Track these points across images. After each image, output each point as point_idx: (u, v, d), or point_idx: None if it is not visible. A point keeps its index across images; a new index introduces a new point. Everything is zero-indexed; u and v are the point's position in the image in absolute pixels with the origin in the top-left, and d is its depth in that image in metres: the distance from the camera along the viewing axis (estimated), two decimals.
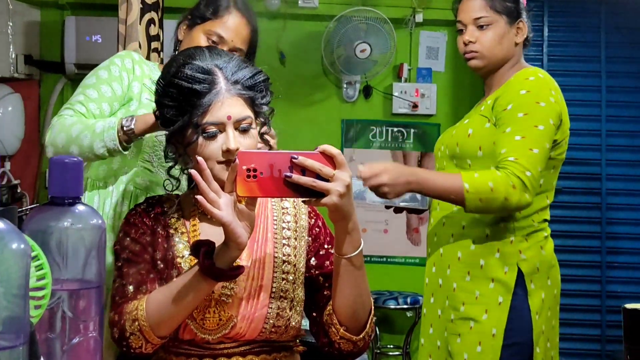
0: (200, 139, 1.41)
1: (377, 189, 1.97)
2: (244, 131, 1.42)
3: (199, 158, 1.35)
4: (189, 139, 1.42)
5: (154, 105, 1.92)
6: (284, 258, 1.48)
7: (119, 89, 1.97)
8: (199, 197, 1.30)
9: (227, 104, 1.40)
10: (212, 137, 1.40)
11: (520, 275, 2.06)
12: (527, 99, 2.05)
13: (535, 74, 2.12)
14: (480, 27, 2.18)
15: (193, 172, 1.33)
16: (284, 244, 1.50)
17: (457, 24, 2.26)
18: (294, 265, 1.49)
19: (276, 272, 1.46)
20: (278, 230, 1.51)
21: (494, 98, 2.12)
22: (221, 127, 1.41)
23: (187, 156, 1.47)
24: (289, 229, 1.52)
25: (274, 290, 1.45)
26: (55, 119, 1.92)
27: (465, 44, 2.20)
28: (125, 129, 1.79)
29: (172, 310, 1.37)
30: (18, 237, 0.75)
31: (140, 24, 2.89)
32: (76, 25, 4.05)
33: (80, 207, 1.06)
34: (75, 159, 1.08)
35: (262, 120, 1.52)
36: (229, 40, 1.95)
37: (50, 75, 4.25)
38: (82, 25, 4.03)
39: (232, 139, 1.39)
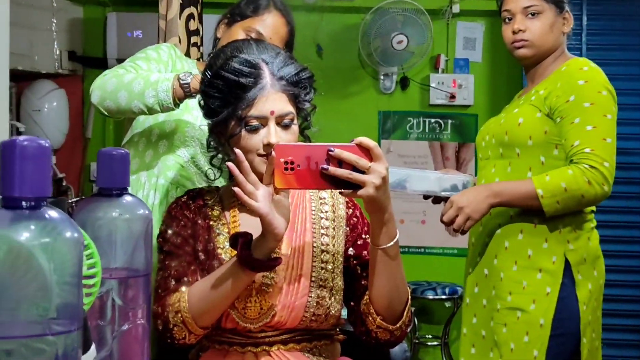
0: (243, 132, 1.43)
1: (458, 221, 2.02)
2: (286, 126, 1.44)
3: (238, 151, 1.37)
4: (231, 130, 1.45)
5: (189, 102, 1.95)
6: (322, 247, 1.50)
7: (164, 71, 2.01)
8: (235, 188, 1.33)
9: (271, 99, 1.42)
10: (254, 130, 1.43)
11: (567, 265, 2.05)
12: (589, 88, 2.04)
13: (587, 64, 2.11)
14: (531, 15, 2.15)
15: (230, 164, 1.35)
16: (322, 234, 1.51)
17: (503, 13, 2.22)
18: (333, 255, 1.50)
19: (315, 261, 1.48)
20: (316, 220, 1.52)
21: (546, 89, 2.10)
22: (264, 121, 1.43)
23: (228, 147, 1.49)
24: (327, 219, 1.53)
25: (313, 279, 1.47)
26: (96, 80, 1.93)
27: (515, 33, 2.17)
28: (181, 82, 1.80)
29: (213, 301, 1.40)
30: (71, 226, 0.78)
31: (180, 19, 2.93)
32: (118, 21, 4.12)
33: (127, 198, 1.10)
34: (122, 151, 1.12)
35: (304, 116, 1.53)
36: (267, 37, 1.97)
37: (93, 70, 4.30)
38: (123, 21, 4.10)
39: (273, 134, 1.42)
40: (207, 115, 1.52)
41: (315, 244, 1.50)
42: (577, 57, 2.20)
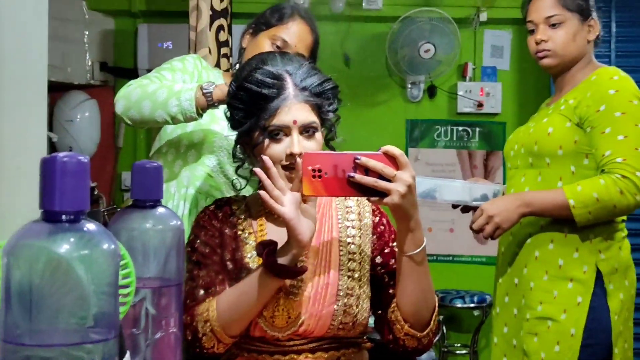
0: (266, 141, 1.45)
1: (488, 229, 2.03)
2: (309, 136, 1.46)
3: (265, 157, 1.39)
4: (255, 140, 1.47)
5: (215, 112, 1.97)
6: (349, 256, 1.51)
7: (189, 81, 2.03)
8: (262, 192, 1.35)
9: (294, 109, 1.44)
10: (277, 139, 1.45)
11: (598, 275, 2.04)
12: (620, 98, 2.03)
13: (617, 73, 2.10)
14: (552, 25, 2.16)
15: (257, 170, 1.37)
16: (348, 242, 1.52)
17: (527, 24, 2.23)
18: (359, 263, 1.51)
19: (342, 269, 1.49)
20: (343, 229, 1.53)
21: (576, 98, 2.09)
22: (287, 130, 1.44)
23: (254, 157, 1.51)
24: (353, 227, 1.54)
25: (340, 287, 1.47)
26: (120, 91, 1.95)
27: (537, 43, 2.18)
28: (204, 91, 1.81)
29: (241, 310, 1.41)
30: (108, 238, 0.81)
31: (210, 30, 2.97)
32: (148, 32, 4.17)
33: (160, 210, 1.14)
34: (156, 164, 1.15)
35: (328, 126, 1.54)
36: (292, 45, 2.00)
37: (124, 81, 4.29)
38: (154, 32, 4.14)
39: (296, 143, 1.43)
40: (233, 126, 1.54)
41: (342, 252, 1.51)
42: (607, 65, 2.19)
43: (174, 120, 1.86)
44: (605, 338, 2.02)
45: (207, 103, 1.82)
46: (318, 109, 1.48)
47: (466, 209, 2.19)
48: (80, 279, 0.79)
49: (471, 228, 2.09)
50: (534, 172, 2.14)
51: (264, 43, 2.02)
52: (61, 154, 0.78)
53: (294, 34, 2.03)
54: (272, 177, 1.35)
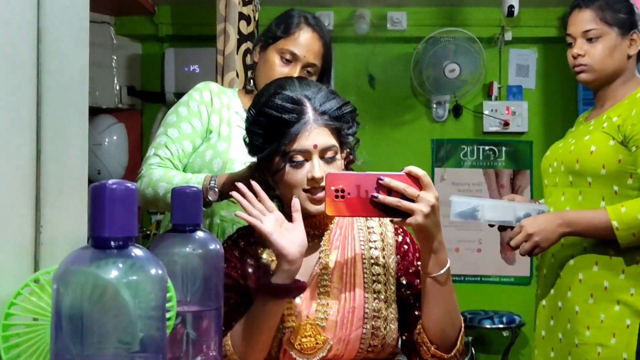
0: (287, 167, 1.45)
1: (525, 246, 2.00)
2: (330, 160, 1.46)
3: (239, 184, 1.41)
4: (276, 166, 1.47)
5: (232, 137, 1.99)
6: (374, 277, 1.50)
7: (198, 125, 2.02)
8: (238, 212, 1.39)
9: (314, 134, 1.44)
10: (298, 165, 1.45)
11: None
12: None
13: None
14: (590, 40, 2.12)
15: (234, 193, 1.40)
16: (372, 264, 1.51)
17: (566, 37, 2.20)
18: (385, 284, 1.50)
19: (367, 292, 1.48)
20: (366, 251, 1.53)
21: (620, 116, 2.04)
22: (307, 155, 1.45)
23: (274, 182, 1.51)
24: (376, 249, 1.53)
25: (367, 310, 1.47)
26: (144, 170, 1.97)
27: (575, 57, 2.15)
28: (209, 190, 1.81)
29: (252, 338, 1.41)
30: (155, 263, 0.82)
31: (237, 54, 3.01)
32: (175, 56, 4.21)
33: (200, 234, 1.14)
34: (195, 189, 1.17)
35: (348, 150, 1.54)
36: (301, 56, 1.99)
37: (151, 105, 4.42)
38: (180, 56, 4.18)
39: (317, 168, 1.43)
40: (252, 152, 1.54)
41: (366, 274, 1.50)
42: None
43: None
44: None
45: (215, 195, 1.83)
46: (337, 133, 1.48)
47: (502, 227, 2.14)
48: (128, 304, 0.80)
49: (508, 244, 2.05)
50: (574, 191, 2.10)
51: (273, 58, 2.01)
52: (110, 181, 0.79)
53: (302, 45, 2.01)
54: (249, 199, 1.38)
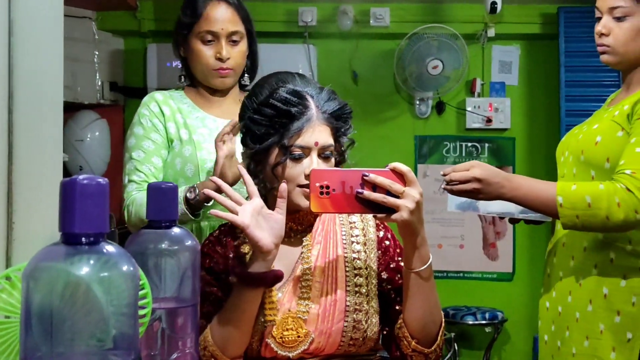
0: (288, 161, 1.47)
1: (464, 185, 1.77)
2: (326, 158, 1.49)
3: (213, 177, 1.44)
4: (276, 159, 1.48)
5: (195, 139, 1.98)
6: (355, 271, 1.51)
7: (158, 138, 2.01)
8: (212, 210, 1.39)
9: (317, 131, 1.47)
10: (297, 160, 1.46)
11: None
12: None
13: None
14: (617, 18, 1.93)
15: (207, 190, 1.40)
16: (354, 258, 1.53)
17: (595, 10, 2.01)
18: (366, 278, 1.52)
19: (349, 285, 1.50)
20: (347, 245, 1.54)
21: (633, 104, 1.85)
22: (307, 151, 1.47)
23: (270, 174, 1.50)
24: (358, 243, 1.55)
25: (348, 303, 1.48)
26: (127, 200, 1.97)
27: (599, 36, 1.97)
28: (190, 201, 1.83)
29: (231, 329, 1.42)
30: (127, 260, 0.81)
31: None
32: (157, 52, 4.18)
33: (175, 230, 1.14)
34: (171, 184, 1.16)
35: (341, 151, 1.56)
36: (219, 30, 1.99)
37: (134, 100, 4.37)
38: (163, 52, 4.15)
39: (315, 164, 1.45)
40: (252, 141, 1.52)
41: (347, 268, 1.51)
42: None
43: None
44: None
45: (197, 207, 1.83)
46: (335, 133, 1.51)
47: (514, 220, 1.98)
48: (100, 301, 0.79)
49: (447, 174, 1.80)
50: None
51: (196, 45, 2.01)
52: (81, 177, 0.78)
53: (215, 20, 2.00)
54: (225, 191, 1.39)
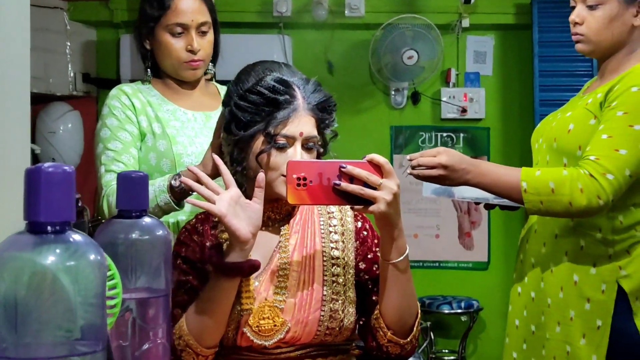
0: (273, 150, 1.47)
1: (430, 171, 1.77)
2: (309, 149, 1.49)
3: (191, 167, 1.44)
4: (261, 147, 1.48)
5: (169, 133, 1.95)
6: (333, 261, 1.51)
7: (133, 130, 1.97)
8: (189, 199, 1.40)
9: (303, 121, 1.47)
10: (281, 149, 1.46)
11: (621, 293, 1.81)
12: (636, 97, 1.78)
13: None
14: (590, 7, 1.92)
15: (183, 179, 1.41)
16: (332, 247, 1.53)
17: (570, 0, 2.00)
18: (343, 267, 1.52)
19: (326, 275, 1.50)
20: (325, 234, 1.54)
21: (606, 92, 1.85)
22: (291, 141, 1.47)
23: (253, 162, 1.49)
24: (336, 233, 1.55)
25: (325, 293, 1.48)
26: (105, 190, 1.91)
27: (573, 25, 1.96)
28: (175, 189, 1.76)
29: (207, 318, 1.42)
30: (95, 249, 0.80)
31: None
32: (131, 43, 4.09)
33: (146, 220, 1.12)
34: (141, 174, 1.14)
35: (323, 143, 1.56)
36: (189, 22, 1.95)
37: (107, 92, 4.24)
38: None
39: (299, 155, 1.46)
40: (236, 128, 1.51)
41: (325, 258, 1.51)
42: None
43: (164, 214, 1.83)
44: None
45: (182, 195, 1.77)
46: (319, 124, 1.51)
47: (490, 206, 1.99)
48: (67, 291, 0.78)
49: (413, 159, 1.80)
50: None
51: (165, 37, 1.97)
52: (46, 164, 0.77)
53: (184, 12, 1.96)
54: (203, 182, 1.38)
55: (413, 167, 1.78)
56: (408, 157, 1.80)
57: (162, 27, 1.97)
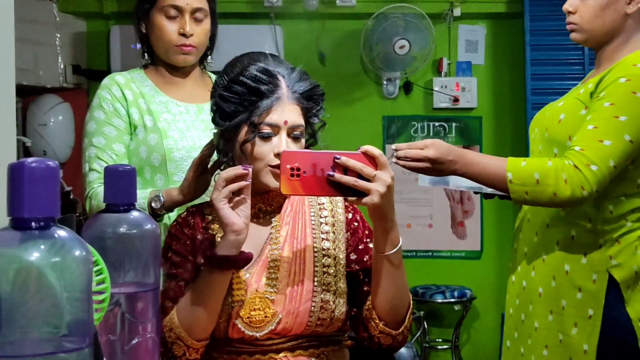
0: (256, 139, 1.47)
1: (417, 164, 1.76)
2: (296, 139, 1.49)
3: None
4: (245, 136, 1.47)
5: (160, 127, 1.95)
6: (323, 252, 1.51)
7: (121, 123, 1.97)
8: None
9: (286, 110, 1.47)
10: (266, 138, 1.46)
11: (612, 283, 1.80)
12: (623, 88, 1.76)
13: None
14: None
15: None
16: (322, 238, 1.53)
17: None
18: (334, 259, 1.52)
19: (317, 266, 1.50)
20: (316, 226, 1.54)
21: (597, 82, 1.83)
22: (276, 130, 1.46)
23: (239, 152, 1.50)
24: (326, 224, 1.55)
25: (316, 283, 1.48)
26: (88, 191, 1.92)
27: (567, 14, 1.94)
28: (155, 210, 1.75)
29: (198, 311, 1.42)
30: (80, 244, 0.79)
31: None
32: (121, 34, 4.13)
33: (134, 213, 1.11)
34: (129, 167, 1.13)
35: (311, 132, 1.57)
36: (184, 5, 1.96)
37: (97, 83, 4.25)
38: (126, 34, 4.09)
39: (284, 144, 1.45)
40: (221, 118, 1.52)
41: (316, 249, 1.52)
42: None
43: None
44: (629, 349, 1.79)
45: (158, 204, 1.76)
46: (306, 113, 1.51)
47: (489, 196, 1.99)
48: (53, 287, 0.77)
49: (398, 150, 1.79)
50: None
51: (159, 20, 1.98)
52: (29, 160, 0.76)
53: None
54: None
55: (399, 158, 1.77)
56: (393, 146, 1.78)
57: (158, 8, 1.98)
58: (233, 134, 1.50)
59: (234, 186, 1.36)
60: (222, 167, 1.56)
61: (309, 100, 1.51)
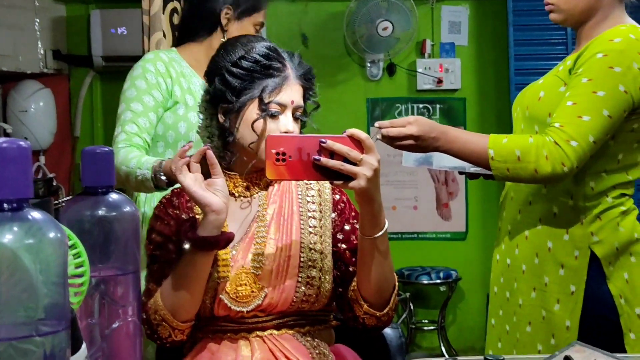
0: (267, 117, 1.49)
1: (401, 141, 1.76)
2: (296, 119, 1.51)
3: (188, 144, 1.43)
4: (251, 114, 1.49)
5: (187, 101, 2.02)
6: (310, 230, 1.52)
7: (159, 96, 2.07)
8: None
9: (294, 90, 1.50)
10: (274, 116, 1.49)
11: (594, 259, 1.82)
12: (600, 63, 1.77)
13: (626, 35, 1.80)
14: None
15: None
16: (309, 216, 1.54)
17: None
18: (321, 237, 1.53)
19: (303, 242, 1.50)
20: (303, 204, 1.55)
21: (575, 59, 1.84)
22: (282, 109, 1.49)
23: (247, 130, 1.49)
24: (313, 203, 1.56)
25: (302, 259, 1.49)
26: (114, 150, 1.88)
27: None
28: (159, 178, 1.76)
29: (182, 292, 1.42)
30: (54, 226, 0.78)
31: (163, 13, 2.91)
32: (101, 18, 4.08)
33: (113, 196, 1.10)
34: (107, 149, 1.12)
35: (306, 113, 1.58)
36: (263, 22, 2.24)
37: (78, 69, 4.29)
38: (107, 18, 4.05)
39: (291, 122, 1.49)
40: (230, 94, 1.50)
41: (302, 226, 1.52)
42: (627, 24, 1.87)
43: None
44: (609, 326, 1.81)
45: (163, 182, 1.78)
46: (305, 95, 1.54)
47: (474, 176, 2.00)
48: (27, 270, 0.76)
49: (382, 126, 1.77)
50: None
51: (250, 29, 2.18)
52: (0, 140, 0.74)
53: (265, 17, 2.24)
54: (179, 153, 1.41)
55: (383, 136, 1.77)
56: (377, 124, 1.77)
57: (252, 22, 2.23)
58: (238, 112, 1.50)
59: (185, 160, 1.38)
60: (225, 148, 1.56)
61: (308, 82, 1.55)
